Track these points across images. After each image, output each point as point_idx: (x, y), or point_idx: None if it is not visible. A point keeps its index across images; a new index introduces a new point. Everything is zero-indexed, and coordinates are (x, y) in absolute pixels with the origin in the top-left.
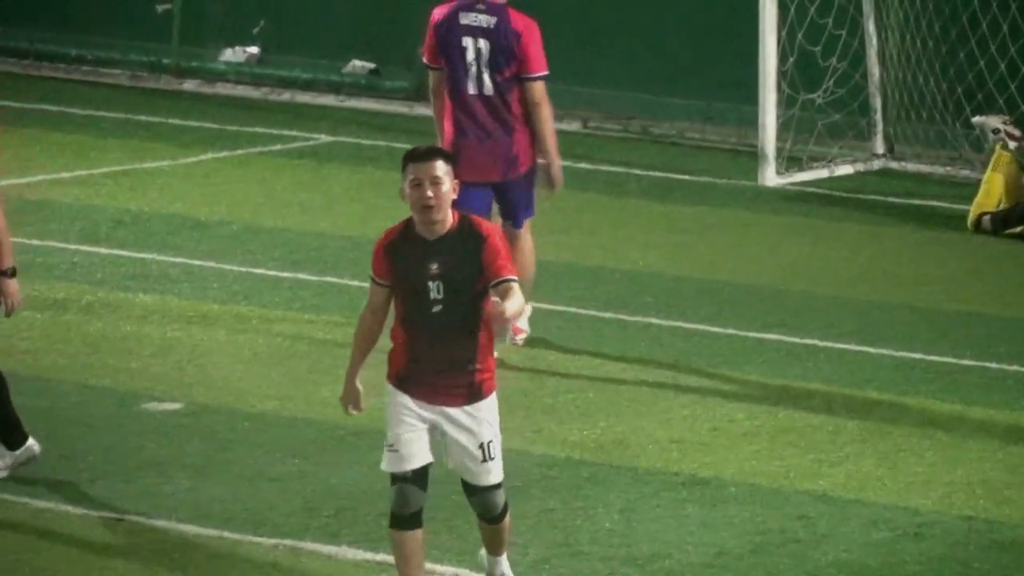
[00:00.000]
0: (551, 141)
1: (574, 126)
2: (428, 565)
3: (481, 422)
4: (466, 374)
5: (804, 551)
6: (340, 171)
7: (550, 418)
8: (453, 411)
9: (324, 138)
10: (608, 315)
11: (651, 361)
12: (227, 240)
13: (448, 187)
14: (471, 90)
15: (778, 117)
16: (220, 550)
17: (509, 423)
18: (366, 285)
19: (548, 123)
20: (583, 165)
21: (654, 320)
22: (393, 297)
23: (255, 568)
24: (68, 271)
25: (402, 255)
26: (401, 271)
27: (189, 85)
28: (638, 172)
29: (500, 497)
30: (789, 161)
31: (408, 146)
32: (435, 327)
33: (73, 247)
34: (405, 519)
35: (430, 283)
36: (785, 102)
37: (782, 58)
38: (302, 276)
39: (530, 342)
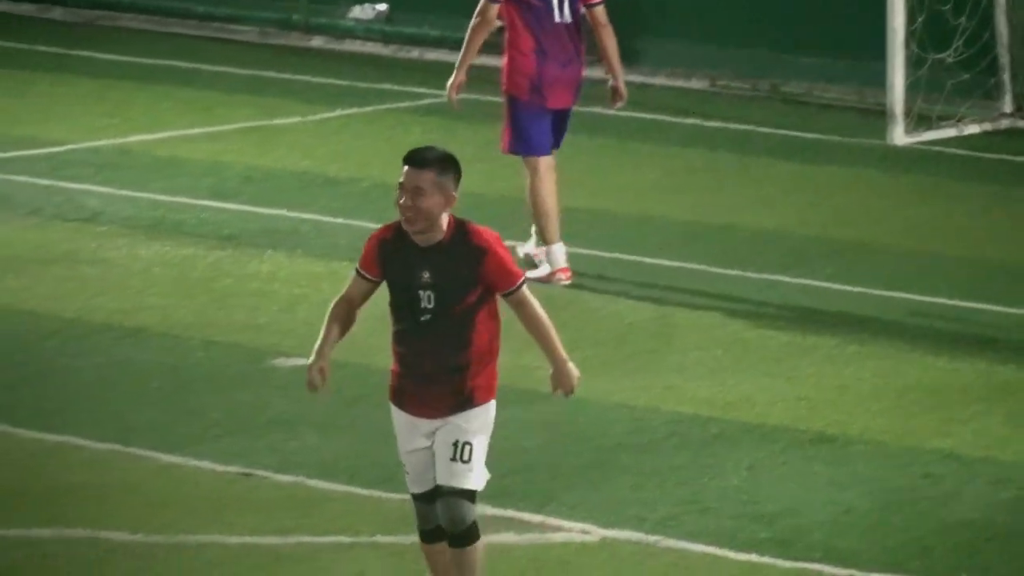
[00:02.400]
0: (619, 60)
1: (702, 84)
2: (555, 521)
3: (462, 422)
4: (454, 383)
5: (931, 509)
6: (468, 128)
7: (679, 375)
8: (441, 419)
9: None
10: (735, 273)
11: (779, 319)
12: (357, 197)
13: (435, 201)
14: (557, 18)
15: (906, 76)
16: (348, 505)
17: (638, 381)
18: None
19: (615, 43)
20: (711, 123)
21: (782, 278)
22: (388, 303)
23: (383, 523)
24: (197, 227)
25: (393, 257)
26: (391, 273)
27: (318, 42)
28: (766, 131)
29: (468, 510)
30: (918, 120)
31: None
32: (424, 336)
33: (202, 203)
34: (427, 533)
35: (420, 292)
36: (914, 61)
37: (910, 17)
38: None
39: (656, 299)
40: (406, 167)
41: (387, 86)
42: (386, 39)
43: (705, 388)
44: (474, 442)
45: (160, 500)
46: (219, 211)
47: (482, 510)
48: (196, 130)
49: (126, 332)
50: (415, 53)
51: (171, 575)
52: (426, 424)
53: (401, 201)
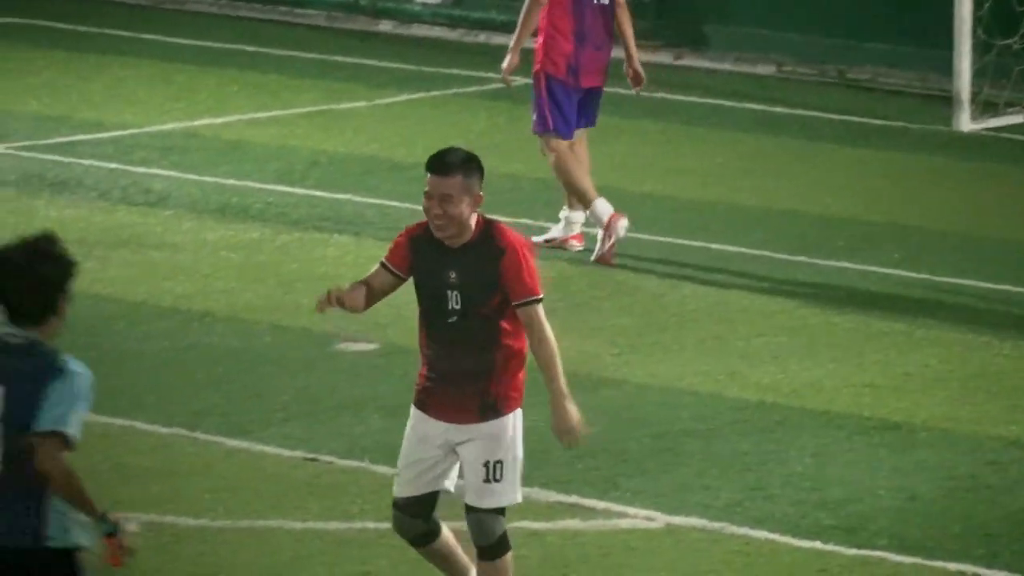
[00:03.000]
0: (634, 42)
1: (768, 70)
2: (620, 507)
3: (493, 440)
4: (479, 388)
5: (995, 497)
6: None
7: (743, 361)
8: (465, 427)
9: (519, 80)
10: (801, 259)
11: (844, 305)
12: (422, 182)
13: (464, 205)
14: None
15: (973, 62)
16: None
17: (701, 366)
18: (555, 225)
19: (631, 24)
20: (777, 109)
21: (847, 264)
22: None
23: (448, 508)
24: (263, 211)
25: (424, 255)
26: (421, 272)
27: (385, 26)
28: (832, 116)
29: (498, 524)
30: (984, 107)
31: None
32: (450, 337)
33: (269, 187)
34: (409, 542)
35: (448, 292)
36: (980, 47)
37: (977, 3)
38: (495, 217)
39: (721, 284)
40: (431, 175)
41: (454, 71)
42: (453, 23)
43: (769, 374)
44: (505, 459)
45: (226, 485)
46: (285, 195)
47: (547, 496)
48: (263, 114)
49: (193, 316)
50: (482, 37)
51: (236, 560)
52: (447, 430)
53: (432, 210)
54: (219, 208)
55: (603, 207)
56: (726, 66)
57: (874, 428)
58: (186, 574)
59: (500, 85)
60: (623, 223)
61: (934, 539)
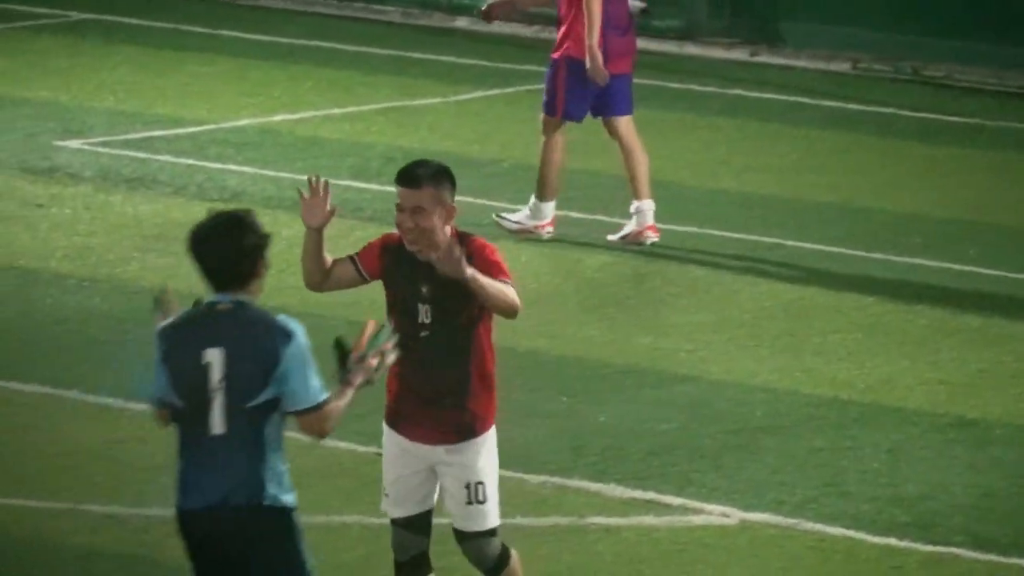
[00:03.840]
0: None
1: (844, 67)
2: (695, 503)
3: (469, 461)
4: (455, 409)
5: None
6: None
7: (818, 358)
8: (442, 449)
9: None
10: (876, 255)
11: (919, 302)
12: (498, 178)
13: (436, 217)
14: None
15: None
16: None
17: (777, 363)
18: (628, 221)
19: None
20: (853, 106)
21: (922, 261)
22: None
23: (523, 504)
24: (337, 207)
25: (397, 265)
26: (393, 283)
27: (460, 22)
28: (907, 113)
29: (492, 547)
30: None
31: (678, 86)
32: (423, 353)
33: (343, 183)
34: (402, 565)
35: (420, 305)
36: None
37: None
38: (573, 214)
39: (796, 281)
40: (401, 187)
41: (529, 67)
42: (529, 20)
43: (844, 371)
44: (486, 480)
45: (300, 481)
46: (360, 191)
47: (622, 492)
48: (338, 110)
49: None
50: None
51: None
52: (423, 452)
53: (404, 223)
54: (294, 204)
55: (549, 210)
56: (801, 63)
57: (949, 425)
58: None
59: None
60: (547, 232)
61: (1010, 536)
